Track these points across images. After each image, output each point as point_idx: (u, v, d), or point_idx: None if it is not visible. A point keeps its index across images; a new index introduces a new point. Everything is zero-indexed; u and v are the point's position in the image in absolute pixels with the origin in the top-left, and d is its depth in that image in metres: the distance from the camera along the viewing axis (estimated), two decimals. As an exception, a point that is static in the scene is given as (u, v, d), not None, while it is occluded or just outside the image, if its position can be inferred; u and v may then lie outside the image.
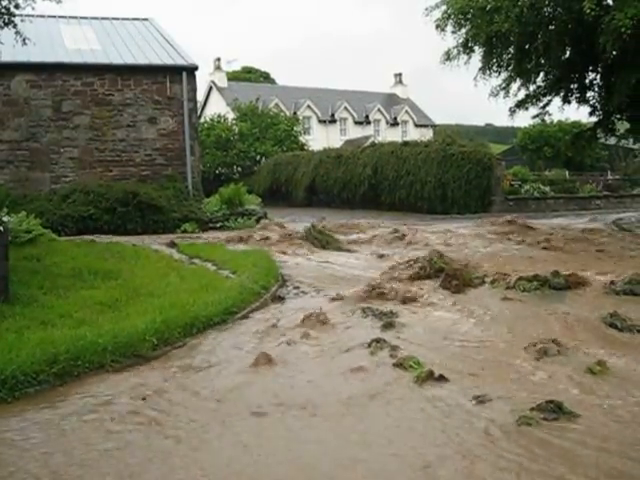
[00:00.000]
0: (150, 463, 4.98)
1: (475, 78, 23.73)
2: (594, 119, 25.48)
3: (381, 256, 15.47)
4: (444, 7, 22.35)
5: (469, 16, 21.73)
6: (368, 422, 5.66)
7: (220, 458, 5.05)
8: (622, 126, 26.50)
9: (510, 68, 23.20)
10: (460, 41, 22.93)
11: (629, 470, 4.66)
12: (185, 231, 20.84)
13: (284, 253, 15.59)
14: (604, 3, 18.70)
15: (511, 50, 22.57)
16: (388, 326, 8.76)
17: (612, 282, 10.84)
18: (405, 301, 10.35)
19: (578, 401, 5.87)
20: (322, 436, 5.41)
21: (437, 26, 23.01)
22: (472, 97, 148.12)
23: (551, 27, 20.82)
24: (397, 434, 5.41)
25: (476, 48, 22.93)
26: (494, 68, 23.42)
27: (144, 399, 6.26)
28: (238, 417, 5.84)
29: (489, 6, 20.49)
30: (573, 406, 5.66)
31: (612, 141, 36.16)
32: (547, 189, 34.38)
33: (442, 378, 6.51)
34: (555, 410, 5.55)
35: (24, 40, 15.02)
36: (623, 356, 7.26)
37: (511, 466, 4.74)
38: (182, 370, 7.18)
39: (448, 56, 23.37)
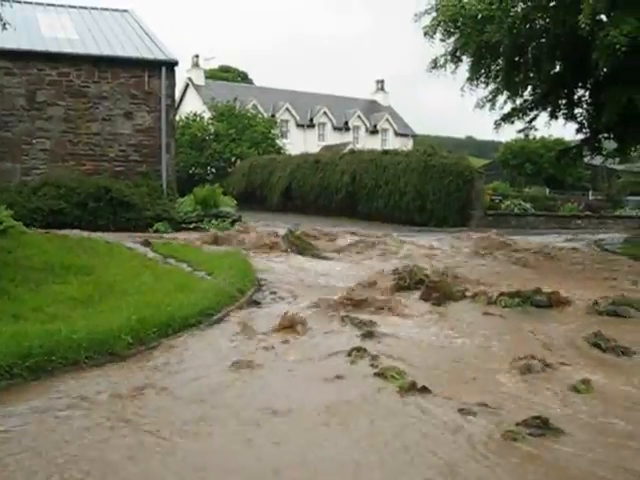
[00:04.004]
0: (128, 461, 5.00)
1: (462, 88, 23.82)
2: (581, 136, 25.71)
3: (359, 265, 15.56)
4: (434, 14, 22.42)
5: (459, 24, 21.81)
6: (350, 432, 5.71)
7: (197, 460, 5.07)
8: (609, 145, 26.80)
9: (498, 80, 23.30)
10: (449, 49, 23.02)
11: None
12: (158, 230, 20.78)
13: (260, 257, 15.64)
14: (598, 18, 18.87)
15: (500, 62, 22.69)
16: (368, 335, 8.81)
17: (595, 302, 11.02)
18: (385, 311, 10.45)
19: (564, 418, 5.96)
20: (303, 444, 5.45)
21: (426, 33, 23.08)
22: (454, 109, 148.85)
23: (543, 40, 20.98)
24: (379, 445, 5.46)
25: (464, 57, 23.02)
26: (482, 79, 23.54)
27: (121, 398, 6.27)
28: (217, 420, 5.87)
29: (481, 15, 20.61)
30: (559, 423, 5.76)
31: (596, 161, 36.54)
32: (528, 206, 34.67)
33: (425, 390, 6.58)
34: (541, 426, 5.64)
35: (4, 25, 14.77)
36: (607, 376, 7.38)
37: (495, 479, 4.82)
38: (159, 370, 7.20)
39: (435, 64, 23.43)
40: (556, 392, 6.72)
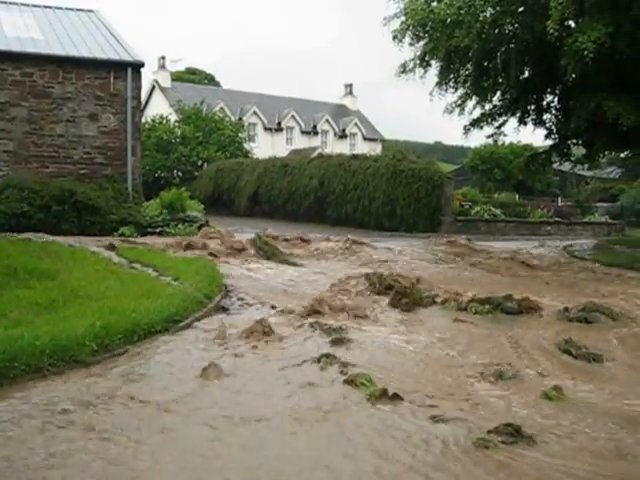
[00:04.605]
0: (93, 470, 4.93)
1: (431, 93, 23.91)
2: (549, 142, 25.92)
3: (328, 271, 15.51)
4: (403, 18, 22.46)
5: (428, 29, 21.88)
6: (321, 439, 5.68)
7: (165, 469, 5.02)
8: (578, 151, 27.03)
9: (467, 85, 23.42)
10: (417, 54, 23.08)
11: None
12: (123, 234, 20.57)
13: (227, 263, 15.53)
14: (567, 24, 19.00)
15: (469, 67, 22.79)
16: (337, 342, 8.79)
17: (566, 309, 11.09)
18: (354, 317, 10.43)
19: (536, 426, 5.97)
20: (273, 453, 5.40)
21: (394, 37, 23.12)
22: (422, 114, 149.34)
23: (512, 45, 21.11)
24: (349, 453, 5.42)
25: (433, 62, 23.11)
26: (451, 84, 23.65)
27: (85, 406, 6.19)
28: (183, 429, 5.81)
29: (450, 20, 20.68)
30: (531, 430, 5.76)
31: (565, 167, 36.81)
32: (498, 212, 34.85)
33: (396, 397, 6.56)
34: (513, 434, 5.64)
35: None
36: (578, 383, 7.42)
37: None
38: (125, 378, 7.11)
39: (404, 68, 23.49)
40: (528, 399, 6.74)
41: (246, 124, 59.49)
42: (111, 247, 16.14)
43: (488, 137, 26.82)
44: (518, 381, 7.29)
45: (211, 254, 16.40)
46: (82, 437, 5.50)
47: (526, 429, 5.74)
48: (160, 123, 47.53)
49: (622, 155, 34.07)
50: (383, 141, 71.26)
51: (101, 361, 7.59)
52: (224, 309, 10.99)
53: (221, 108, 58.19)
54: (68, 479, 4.79)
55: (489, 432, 5.68)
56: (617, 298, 12.89)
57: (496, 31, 20.71)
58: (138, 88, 24.44)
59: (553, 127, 24.90)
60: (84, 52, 23.93)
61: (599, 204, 43.19)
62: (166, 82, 65.90)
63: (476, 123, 24.68)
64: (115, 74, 23.67)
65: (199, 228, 22.32)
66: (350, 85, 77.88)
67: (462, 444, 5.54)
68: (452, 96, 24.09)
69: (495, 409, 6.43)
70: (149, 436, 5.58)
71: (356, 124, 71.82)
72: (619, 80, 19.71)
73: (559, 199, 46.39)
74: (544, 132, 25.32)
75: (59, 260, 13.04)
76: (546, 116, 24.86)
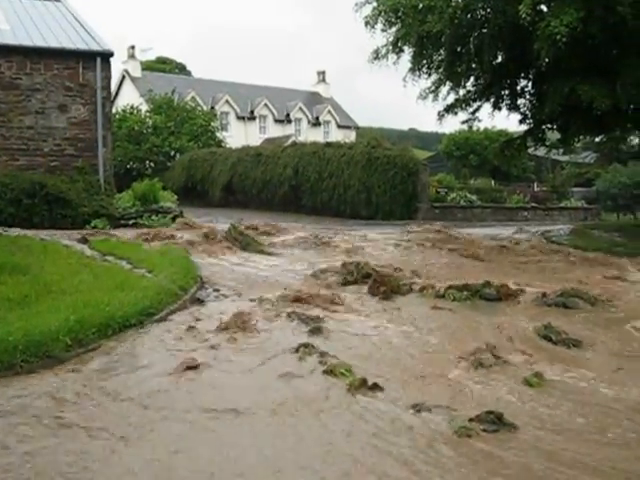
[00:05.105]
0: (72, 468, 4.87)
1: (404, 79, 23.80)
2: (524, 127, 25.93)
3: (305, 260, 15.46)
4: (375, 3, 22.39)
5: (400, 14, 21.82)
6: (301, 430, 5.65)
7: (145, 464, 4.97)
8: (553, 136, 27.09)
9: (440, 70, 23.33)
10: (390, 40, 22.99)
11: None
12: (95, 227, 20.41)
13: (202, 254, 15.46)
14: (539, 8, 19.02)
15: (442, 52, 22.72)
16: (315, 331, 8.76)
17: (544, 294, 11.11)
18: (332, 306, 10.39)
19: (517, 412, 5.98)
20: (252, 446, 5.36)
21: (366, 23, 23.05)
22: (396, 101, 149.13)
23: (484, 30, 21.06)
24: (332, 443, 5.40)
25: (406, 48, 23.01)
26: (424, 70, 23.55)
27: (61, 402, 6.12)
28: (164, 423, 5.76)
29: (422, 5, 20.64)
30: (513, 418, 5.76)
31: (540, 152, 36.97)
32: (474, 198, 34.92)
33: (376, 386, 6.54)
34: (495, 421, 5.64)
35: None
36: (559, 368, 7.44)
37: (452, 478, 4.79)
38: (101, 373, 7.04)
39: (377, 55, 23.40)
40: (509, 386, 6.75)
41: (218, 113, 59.33)
42: (83, 240, 16.02)
43: (463, 123, 26.80)
44: (498, 368, 7.30)
45: (186, 245, 16.31)
46: (56, 434, 5.44)
47: (508, 416, 5.74)
48: (131, 113, 47.17)
49: (597, 139, 34.18)
50: (357, 128, 71.21)
51: (75, 356, 7.50)
52: (200, 301, 10.90)
53: (193, 97, 57.96)
54: (44, 478, 4.73)
55: (471, 420, 5.68)
56: (595, 283, 12.95)
57: (468, 16, 20.66)
58: (108, 78, 24.19)
59: (527, 112, 24.89)
60: (52, 42, 23.66)
61: (575, 189, 43.39)
62: (136, 72, 65.49)
63: (450, 109, 24.62)
64: (84, 64, 23.43)
65: (173, 219, 22.20)
66: (323, 72, 77.70)
67: (444, 433, 5.54)
68: (425, 82, 24.02)
69: (476, 397, 6.43)
70: (125, 432, 5.52)
71: (330, 112, 71.78)
72: (592, 64, 19.74)
73: (535, 184, 46.54)
74: (519, 117, 25.32)
75: (31, 254, 12.90)
76: (520, 101, 24.85)
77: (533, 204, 37.33)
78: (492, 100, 24.62)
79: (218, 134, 51.49)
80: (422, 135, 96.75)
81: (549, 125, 25.05)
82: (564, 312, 10.34)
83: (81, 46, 23.85)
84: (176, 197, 26.15)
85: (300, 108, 70.02)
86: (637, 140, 31.06)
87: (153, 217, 22.14)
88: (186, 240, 17.11)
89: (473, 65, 22.82)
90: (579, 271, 14.85)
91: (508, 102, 24.78)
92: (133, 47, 66.72)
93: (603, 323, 9.72)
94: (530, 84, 24.41)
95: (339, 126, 71.09)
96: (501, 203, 36.10)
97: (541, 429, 5.67)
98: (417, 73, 23.58)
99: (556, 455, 5.17)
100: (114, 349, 7.92)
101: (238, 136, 58.73)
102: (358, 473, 4.89)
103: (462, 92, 24.29)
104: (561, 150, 33.02)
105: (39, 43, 23.35)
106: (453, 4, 20.26)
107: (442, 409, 6.03)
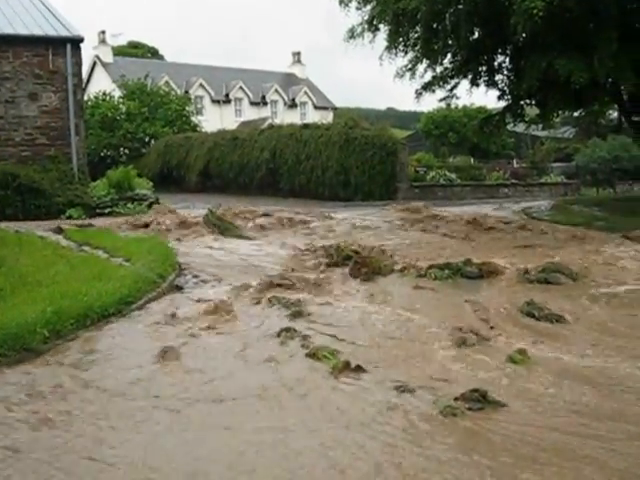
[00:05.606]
0: (54, 461, 4.84)
1: (381, 57, 23.84)
2: (503, 103, 25.97)
3: (284, 244, 15.46)
4: (348, -19, 22.37)
5: (375, -9, 21.81)
6: (286, 415, 5.63)
7: (129, 454, 4.95)
8: (531, 111, 27.13)
9: (417, 48, 23.32)
10: (365, 18, 22.99)
11: (554, 459, 4.77)
12: (70, 217, 20.34)
13: (180, 240, 15.44)
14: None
15: (418, 29, 22.69)
16: (297, 315, 8.75)
17: (526, 271, 11.14)
18: (313, 290, 10.40)
19: (502, 390, 5.99)
20: (237, 433, 5.34)
21: (341, 1, 23.04)
22: (373, 80, 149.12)
23: (460, 6, 21.02)
24: (317, 427, 5.40)
25: (382, 26, 23.01)
26: (400, 48, 23.54)
27: (40, 395, 6.08)
28: (147, 413, 5.73)
29: (396, -18, 20.61)
30: (498, 395, 5.78)
31: (520, 128, 37.00)
32: (453, 176, 34.93)
33: (359, 369, 6.53)
34: (480, 400, 5.65)
35: None
36: (542, 345, 7.47)
37: (438, 457, 4.80)
38: (79, 364, 6.99)
39: (352, 34, 23.39)
40: (493, 364, 6.76)
41: (193, 97, 58.96)
42: (58, 230, 15.96)
43: (440, 100, 26.88)
44: (482, 346, 7.31)
45: (163, 232, 16.27)
46: (36, 428, 5.40)
47: (493, 394, 5.75)
48: (103, 100, 46.76)
49: (576, 114, 34.31)
50: (334, 109, 71.04)
51: (54, 348, 7.45)
52: (179, 288, 10.88)
53: (166, 82, 57.55)
54: (26, 473, 4.70)
55: (456, 399, 5.69)
56: (576, 258, 12.99)
57: (445, -8, 20.64)
58: (79, 64, 24.00)
59: (505, 88, 24.92)
60: (20, 29, 23.42)
61: (555, 164, 43.49)
62: (108, 57, 64.91)
63: (428, 87, 24.61)
64: (54, 51, 23.23)
65: (149, 206, 22.14)
66: (298, 53, 77.35)
67: (429, 413, 5.54)
68: (402, 60, 24.08)
69: (460, 376, 6.43)
70: (107, 424, 5.49)
71: (306, 93, 71.53)
72: (569, 39, 19.75)
73: (514, 161, 46.62)
74: (497, 93, 25.37)
75: (5, 246, 12.81)
76: (498, 77, 24.88)
77: (513, 181, 37.37)
78: (470, 77, 24.63)
79: (193, 118, 51.19)
80: (400, 114, 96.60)
81: (527, 101, 25.08)
82: (546, 288, 10.38)
83: (50, 32, 23.62)
84: (152, 184, 26.09)
85: (276, 90, 69.73)
86: (616, 114, 31.09)
87: (129, 205, 22.07)
88: (163, 227, 17.05)
89: (450, 42, 22.80)
90: (560, 246, 14.90)
91: (486, 78, 24.80)
92: (104, 32, 66.08)
93: (585, 298, 9.76)
94: (507, 60, 24.46)
95: (316, 107, 70.87)
96: (481, 181, 36.10)
97: (527, 406, 5.69)
98: (393, 51, 23.58)
99: (541, 431, 5.18)
100: (93, 339, 7.89)
101: (213, 120, 58.39)
102: (343, 455, 4.88)
103: (439, 69, 24.32)
104: (540, 126, 33.01)
105: (7, 30, 23.11)
106: (429, -20, 20.22)
107: (426, 389, 6.04)
